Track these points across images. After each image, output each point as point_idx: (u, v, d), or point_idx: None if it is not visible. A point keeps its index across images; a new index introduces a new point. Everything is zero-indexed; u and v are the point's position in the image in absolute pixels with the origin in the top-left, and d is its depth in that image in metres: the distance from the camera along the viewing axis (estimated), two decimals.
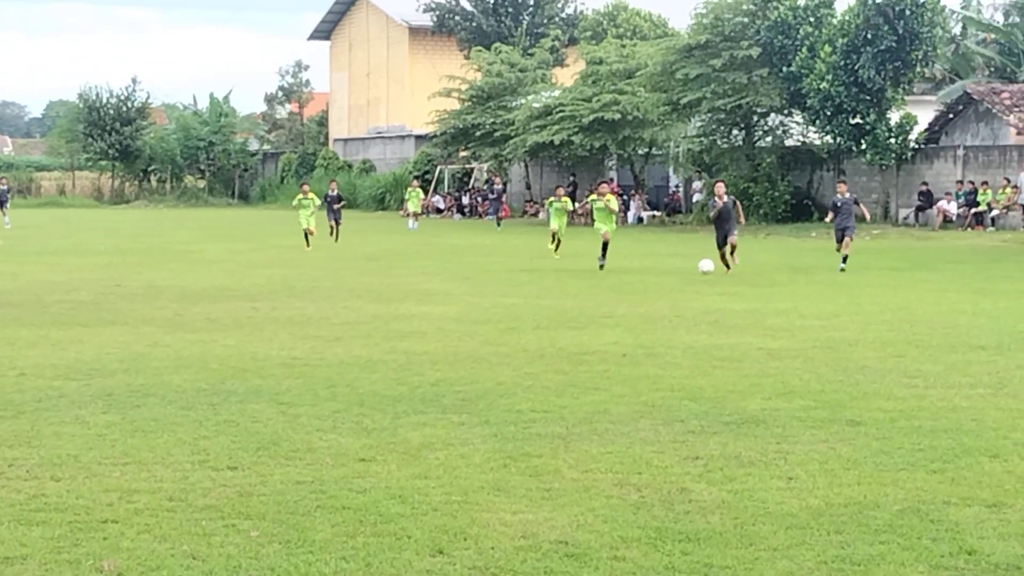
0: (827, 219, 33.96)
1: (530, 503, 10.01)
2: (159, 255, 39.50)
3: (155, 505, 9.84)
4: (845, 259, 32.18)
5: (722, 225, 31.16)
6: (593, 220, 35.41)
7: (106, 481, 10.59)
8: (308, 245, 41.39)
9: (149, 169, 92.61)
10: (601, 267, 32.62)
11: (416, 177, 68.15)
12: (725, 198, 31.76)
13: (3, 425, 12.85)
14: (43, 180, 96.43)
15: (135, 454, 11.55)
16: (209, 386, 15.15)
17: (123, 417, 13.24)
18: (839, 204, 32.08)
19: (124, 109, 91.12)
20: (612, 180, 66.79)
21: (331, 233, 45.91)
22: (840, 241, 32.28)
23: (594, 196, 34.89)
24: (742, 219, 34.22)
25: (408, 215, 57.31)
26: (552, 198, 39.17)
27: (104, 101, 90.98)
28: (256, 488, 10.39)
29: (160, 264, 35.59)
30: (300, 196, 43.93)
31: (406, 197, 59.66)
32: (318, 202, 44.47)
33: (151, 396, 14.53)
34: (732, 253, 31.29)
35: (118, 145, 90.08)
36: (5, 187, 57.00)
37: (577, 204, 47.03)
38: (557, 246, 37.93)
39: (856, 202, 33.04)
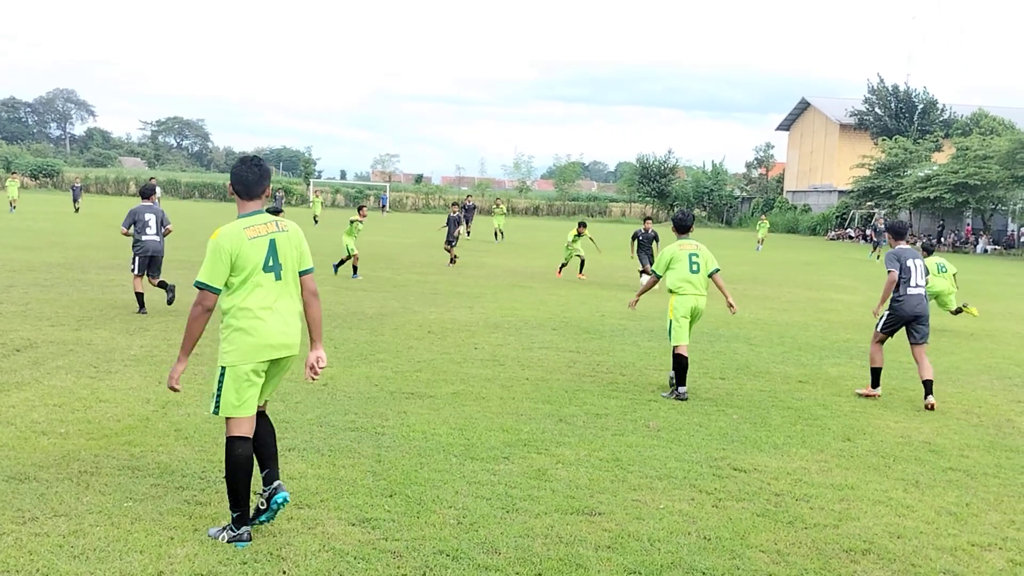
0: None
1: (905, 417, 9.61)
2: None
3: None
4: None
5: None
6: None
7: (649, 378, 10.99)
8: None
9: (673, 203, 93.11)
10: None
11: (841, 217, 64.54)
12: None
13: (592, 343, 13.51)
14: (613, 207, 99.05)
15: (660, 365, 11.83)
16: (708, 331, 15.31)
17: (657, 344, 13.61)
18: None
19: (662, 168, 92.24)
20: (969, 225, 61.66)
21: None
22: None
23: None
24: None
25: (759, 240, 47.09)
26: None
27: (650, 163, 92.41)
28: (735, 391, 10.50)
29: None
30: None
31: (757, 227, 49.25)
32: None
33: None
34: None
35: (657, 189, 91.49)
36: (471, 204, 46.73)
37: None
38: None
39: None
